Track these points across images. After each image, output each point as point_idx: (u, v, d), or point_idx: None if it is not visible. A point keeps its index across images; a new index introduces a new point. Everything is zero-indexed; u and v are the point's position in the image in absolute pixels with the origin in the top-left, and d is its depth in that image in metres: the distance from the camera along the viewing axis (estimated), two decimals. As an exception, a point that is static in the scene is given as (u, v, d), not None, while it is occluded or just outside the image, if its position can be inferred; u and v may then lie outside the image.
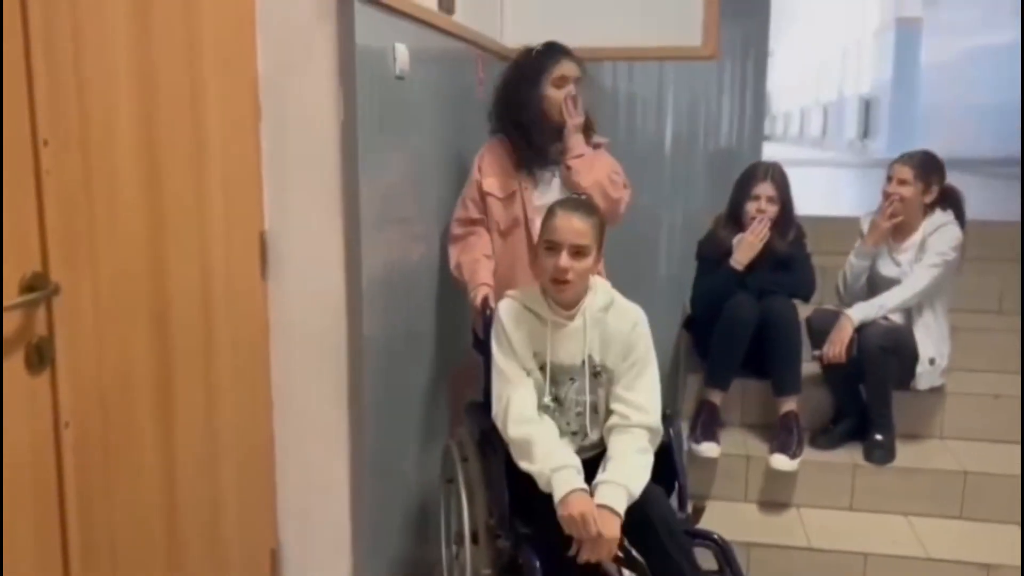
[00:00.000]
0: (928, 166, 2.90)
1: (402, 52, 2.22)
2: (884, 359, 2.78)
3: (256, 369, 2.04)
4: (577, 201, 2.14)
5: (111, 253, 1.46)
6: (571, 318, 2.08)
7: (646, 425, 2.03)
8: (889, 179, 2.92)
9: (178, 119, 1.66)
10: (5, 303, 1.21)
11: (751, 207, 2.87)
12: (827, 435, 2.97)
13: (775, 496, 2.89)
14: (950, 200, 2.95)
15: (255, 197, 1.99)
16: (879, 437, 2.87)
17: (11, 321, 1.25)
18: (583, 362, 2.07)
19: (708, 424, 2.90)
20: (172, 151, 1.63)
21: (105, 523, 1.48)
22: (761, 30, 3.91)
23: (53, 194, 1.30)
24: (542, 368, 2.08)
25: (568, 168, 2.48)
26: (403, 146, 2.35)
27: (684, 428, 2.99)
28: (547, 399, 2.08)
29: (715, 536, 1.99)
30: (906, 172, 2.89)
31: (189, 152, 1.70)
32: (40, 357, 1.30)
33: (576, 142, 2.49)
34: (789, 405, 2.89)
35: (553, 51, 2.52)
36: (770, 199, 2.86)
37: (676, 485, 2.12)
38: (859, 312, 2.83)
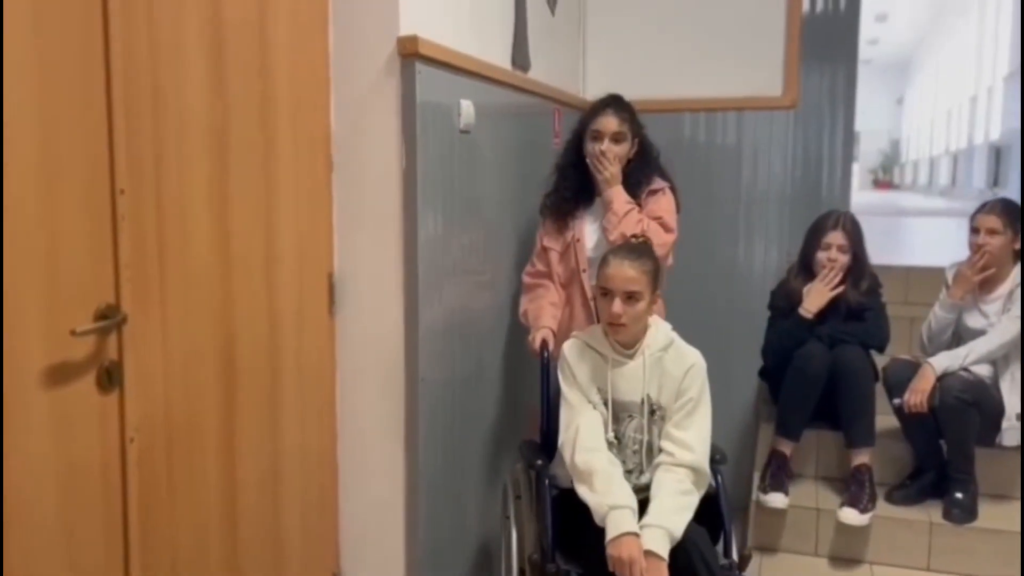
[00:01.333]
0: (1014, 212, 2.82)
1: (467, 108, 2.37)
2: (964, 412, 2.68)
3: (322, 401, 2.18)
4: (630, 247, 2.21)
5: (181, 290, 1.63)
6: (631, 357, 2.16)
7: (690, 464, 2.06)
8: (975, 231, 2.84)
9: (250, 170, 1.84)
10: (79, 329, 1.39)
11: (822, 256, 2.86)
12: (904, 490, 2.88)
13: (846, 551, 2.82)
14: (1037, 246, 2.85)
15: (325, 242, 2.16)
16: (959, 495, 2.77)
17: (86, 346, 1.43)
18: (642, 400, 2.14)
19: (777, 474, 2.87)
20: (243, 200, 1.81)
21: (166, 536, 1.63)
22: (848, 78, 3.89)
23: (127, 237, 1.49)
24: (605, 404, 2.15)
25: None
26: (468, 197, 2.48)
27: (756, 478, 2.98)
28: (610, 435, 2.15)
29: (756, 584, 1.99)
30: (994, 221, 2.81)
31: (260, 200, 1.87)
32: (110, 378, 1.47)
33: (612, 195, 2.52)
34: (861, 458, 2.82)
35: (597, 105, 2.62)
36: (841, 248, 2.84)
37: (722, 532, 2.12)
38: (942, 361, 2.75)
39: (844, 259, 2.84)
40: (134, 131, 1.50)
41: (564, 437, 2.15)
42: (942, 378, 2.72)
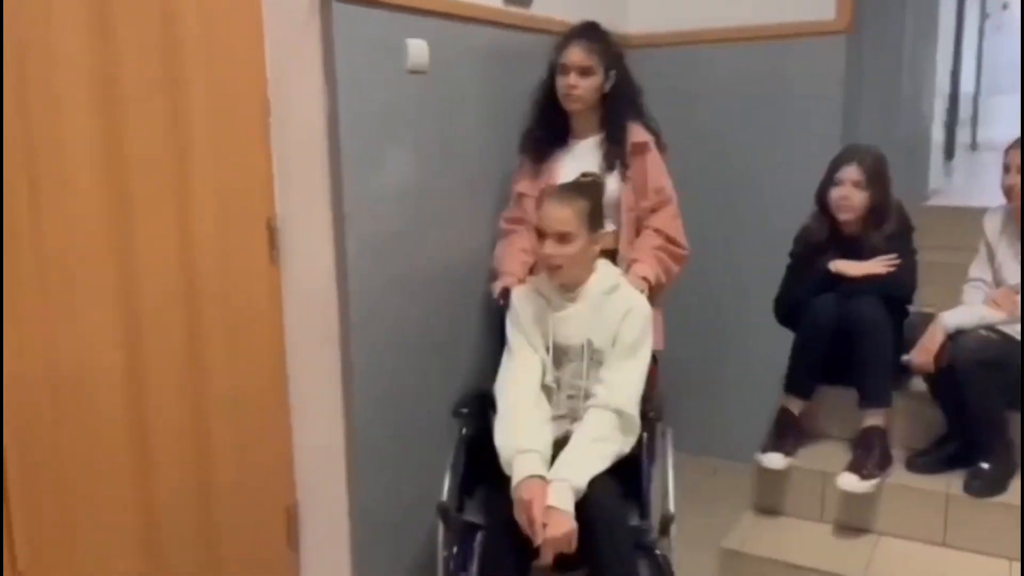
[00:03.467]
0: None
1: (417, 47, 2.30)
2: (982, 375, 2.35)
3: (265, 346, 2.22)
4: (567, 186, 2.16)
5: (62, 236, 1.71)
6: (573, 300, 2.10)
7: (616, 407, 1.99)
8: (1007, 169, 2.45)
9: (153, 115, 1.88)
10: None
11: (834, 193, 2.58)
12: (926, 457, 2.59)
13: (853, 520, 2.58)
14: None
15: (262, 188, 2.18)
16: (985, 466, 2.46)
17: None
18: (583, 345, 2.08)
19: (781, 434, 2.66)
20: (143, 144, 1.86)
21: (57, 486, 1.74)
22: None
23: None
24: (547, 348, 2.11)
25: None
26: (429, 141, 2.41)
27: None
28: (549, 379, 2.11)
29: (658, 552, 1.87)
30: None
31: (167, 145, 1.92)
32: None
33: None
34: (873, 419, 2.55)
35: (568, 34, 2.45)
36: (857, 184, 2.53)
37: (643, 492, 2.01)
38: (954, 318, 2.43)
39: (859, 196, 2.54)
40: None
41: (498, 382, 2.12)
42: (956, 336, 2.40)
